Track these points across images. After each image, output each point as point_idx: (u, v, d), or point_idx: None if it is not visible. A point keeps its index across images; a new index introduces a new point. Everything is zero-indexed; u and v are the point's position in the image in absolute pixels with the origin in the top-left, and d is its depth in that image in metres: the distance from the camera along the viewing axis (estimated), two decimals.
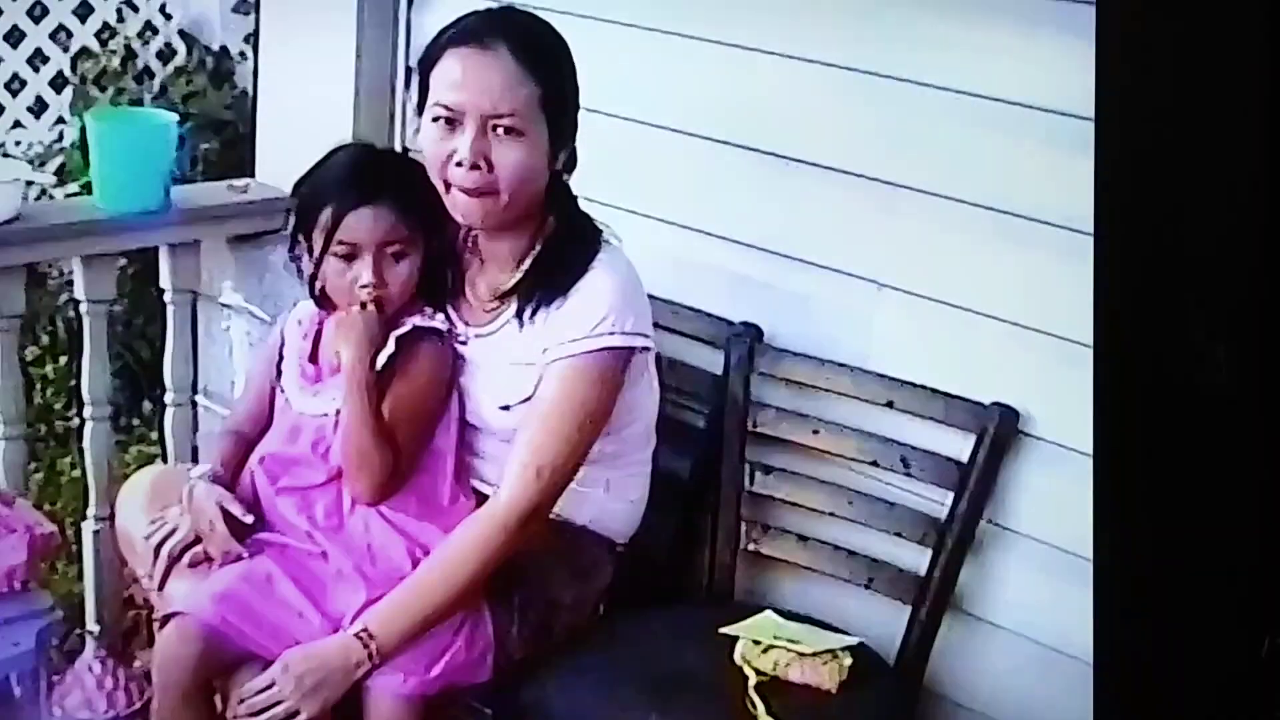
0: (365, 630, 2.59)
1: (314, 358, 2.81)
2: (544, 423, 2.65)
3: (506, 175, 2.61)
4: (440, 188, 2.65)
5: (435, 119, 2.63)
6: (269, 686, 2.57)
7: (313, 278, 2.75)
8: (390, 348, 2.70)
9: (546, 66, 2.64)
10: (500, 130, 2.60)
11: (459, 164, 2.60)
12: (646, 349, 2.74)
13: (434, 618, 2.61)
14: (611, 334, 2.65)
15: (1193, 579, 1.99)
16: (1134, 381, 1.97)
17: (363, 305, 2.68)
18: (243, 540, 2.72)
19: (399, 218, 2.67)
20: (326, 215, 2.66)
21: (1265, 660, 2.01)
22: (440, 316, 2.77)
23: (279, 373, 2.84)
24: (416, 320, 2.73)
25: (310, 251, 2.72)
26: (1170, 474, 1.97)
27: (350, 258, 2.68)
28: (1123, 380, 1.99)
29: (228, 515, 2.72)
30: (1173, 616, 2.01)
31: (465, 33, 2.65)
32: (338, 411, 2.71)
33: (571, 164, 2.74)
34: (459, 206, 2.65)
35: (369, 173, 2.72)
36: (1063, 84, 2.60)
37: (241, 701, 2.58)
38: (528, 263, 2.73)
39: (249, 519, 2.73)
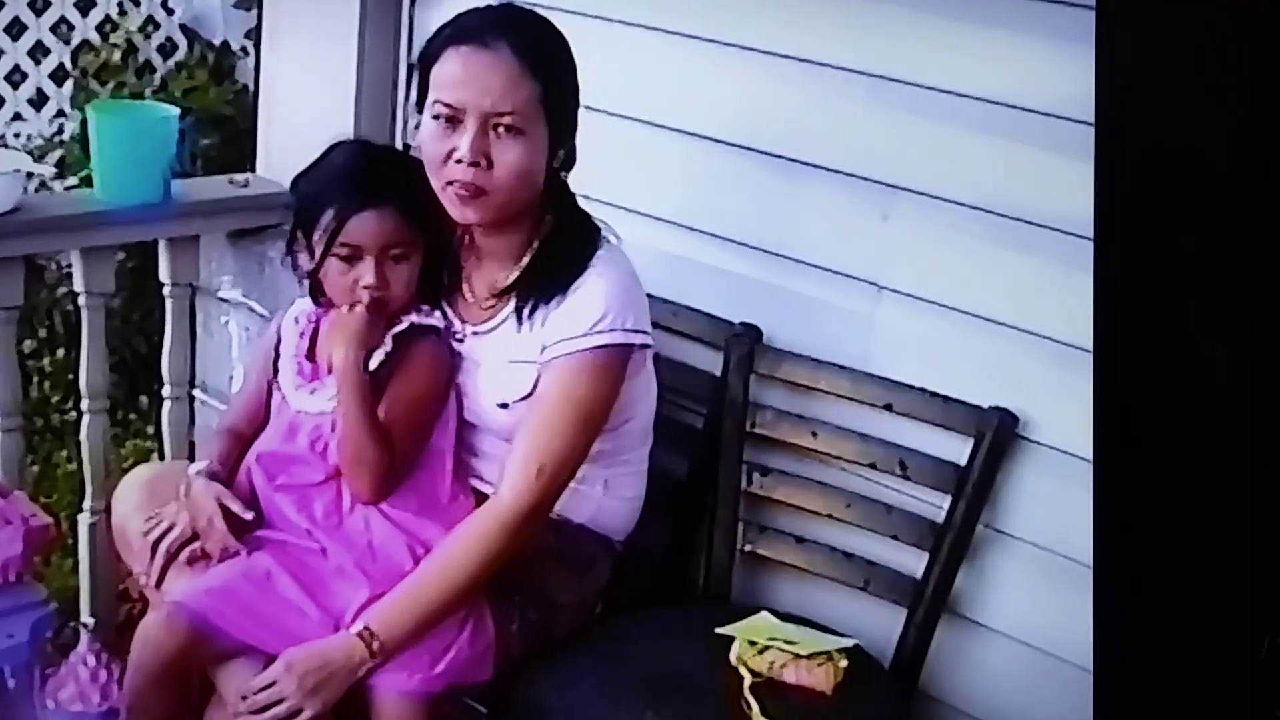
0: (367, 629, 2.58)
1: (311, 355, 2.81)
2: (544, 421, 2.65)
3: (505, 173, 2.60)
4: (437, 185, 2.64)
5: (436, 117, 2.62)
6: (271, 684, 2.56)
7: (310, 276, 2.75)
8: (388, 346, 2.70)
9: (547, 65, 2.63)
10: (501, 129, 2.59)
11: (458, 161, 2.59)
12: (646, 347, 2.74)
13: (436, 616, 2.61)
14: (611, 331, 2.65)
15: (1192, 579, 1.99)
16: (1133, 382, 1.97)
17: (353, 305, 2.68)
18: (241, 538, 2.72)
19: (402, 220, 2.67)
20: (329, 217, 2.66)
21: (1265, 661, 2.01)
22: (437, 314, 2.76)
23: (275, 371, 2.84)
24: (413, 318, 2.73)
25: (310, 251, 2.71)
26: (1170, 474, 1.97)
27: (352, 259, 2.67)
28: (1122, 381, 1.99)
29: (227, 512, 2.71)
30: (1172, 616, 2.01)
31: (466, 30, 2.64)
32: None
33: (570, 162, 2.74)
34: (455, 204, 2.64)
35: (371, 174, 2.71)
36: (1062, 88, 2.61)
37: (244, 698, 2.57)
38: (526, 260, 2.73)
39: (249, 516, 2.73)
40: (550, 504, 2.69)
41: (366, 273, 2.66)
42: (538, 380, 2.68)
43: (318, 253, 2.69)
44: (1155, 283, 1.94)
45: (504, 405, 2.72)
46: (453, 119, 2.60)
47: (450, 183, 2.62)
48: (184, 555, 2.75)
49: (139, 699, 2.66)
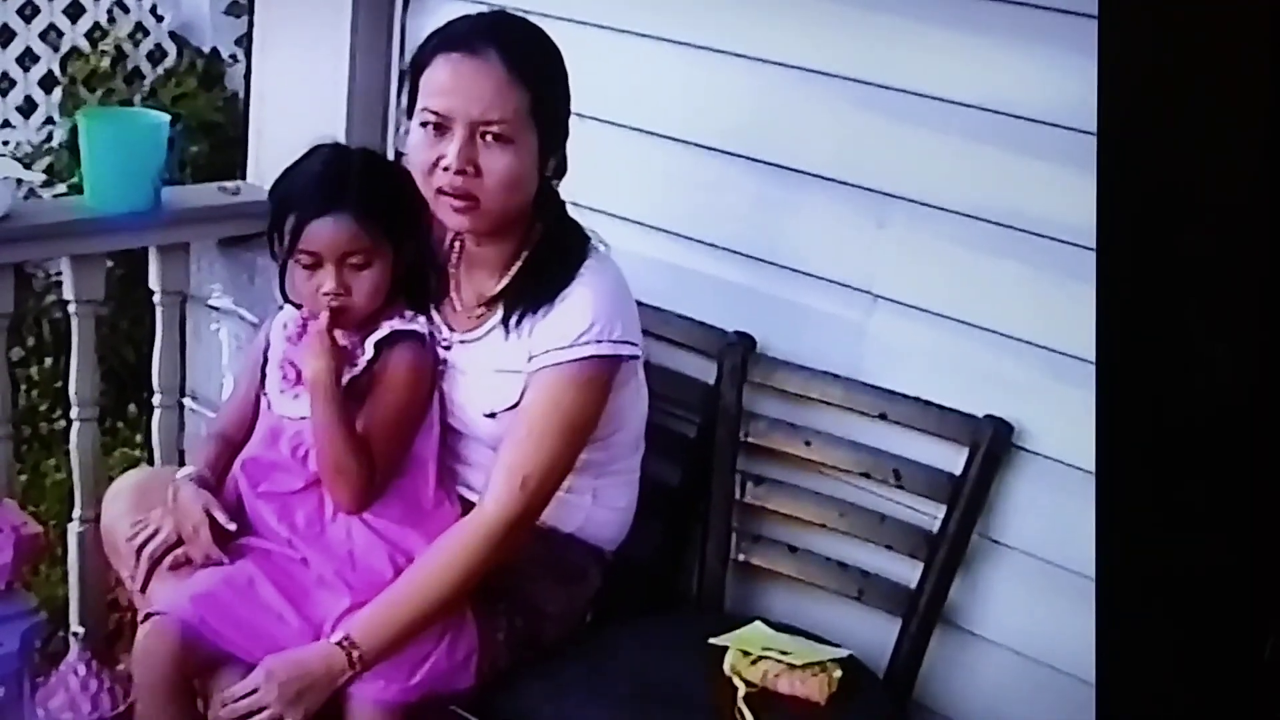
0: (347, 638, 2.57)
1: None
2: (529, 432, 2.64)
3: (494, 182, 2.59)
4: (427, 192, 2.64)
5: (424, 124, 2.62)
6: (252, 692, 2.55)
7: (283, 281, 2.74)
8: (368, 353, 2.69)
9: (537, 73, 2.63)
10: (489, 137, 2.58)
11: (446, 169, 2.58)
12: (634, 358, 2.73)
13: (417, 626, 2.60)
14: (599, 342, 2.64)
15: (1194, 579, 1.99)
16: (1135, 391, 1.97)
17: (320, 316, 2.67)
18: (226, 546, 2.71)
19: (362, 228, 2.64)
20: (291, 223, 2.65)
21: (1268, 662, 2.01)
22: (420, 320, 2.75)
23: (263, 376, 2.83)
24: (395, 324, 2.72)
25: (281, 253, 2.71)
26: (1172, 480, 1.97)
27: (314, 266, 2.66)
28: (1124, 390, 1.98)
29: (213, 521, 2.70)
30: (1175, 617, 2.00)
31: (455, 37, 2.63)
32: None
33: (561, 170, 2.73)
34: (445, 212, 2.64)
35: (333, 181, 2.68)
36: (1057, 95, 2.60)
37: (224, 705, 2.56)
38: (514, 269, 2.72)
39: (232, 527, 2.72)
40: (535, 515, 2.68)
41: (327, 280, 2.65)
42: (524, 390, 2.67)
43: (281, 258, 2.70)
44: (1159, 291, 1.93)
45: (491, 415, 2.71)
46: (441, 126, 2.60)
47: (440, 191, 2.61)
48: (168, 561, 2.74)
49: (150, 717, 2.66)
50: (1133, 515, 2.01)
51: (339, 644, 2.57)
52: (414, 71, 2.67)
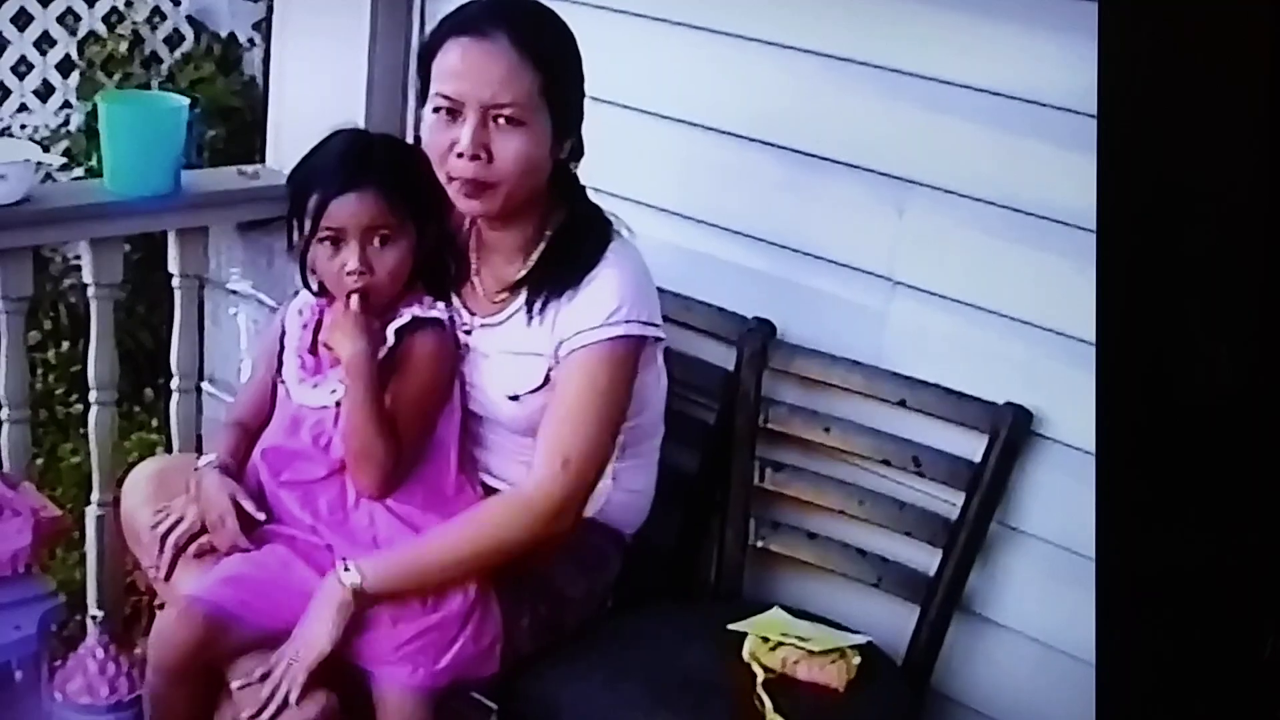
0: (354, 564, 2.57)
1: (314, 349, 2.80)
2: (566, 414, 2.63)
3: (507, 166, 2.59)
4: (443, 178, 2.64)
5: (436, 109, 2.62)
6: (274, 685, 2.55)
7: (303, 265, 2.74)
8: (390, 341, 2.69)
9: (548, 54, 2.62)
10: (501, 120, 2.58)
11: (459, 155, 2.58)
12: (658, 339, 2.73)
13: (426, 580, 2.59)
14: (628, 323, 2.64)
15: (1195, 578, 1.99)
16: (1136, 380, 1.97)
17: (348, 295, 2.67)
18: (250, 535, 2.71)
19: (385, 203, 2.65)
20: (314, 201, 2.66)
21: (1267, 661, 2.01)
22: (441, 305, 2.75)
23: (280, 364, 2.83)
24: (415, 311, 2.72)
25: (302, 237, 2.71)
26: (1172, 473, 1.97)
27: (337, 243, 2.67)
28: (1125, 378, 1.99)
29: (239, 510, 2.70)
30: (1174, 616, 2.01)
31: (465, 21, 2.63)
32: (338, 404, 2.71)
33: (578, 153, 2.73)
34: (460, 198, 2.64)
35: (355, 158, 2.70)
36: (1078, 82, 2.58)
37: (260, 711, 2.56)
38: (537, 254, 2.72)
39: (261, 517, 2.72)
40: (579, 498, 2.66)
41: (350, 257, 2.65)
42: (548, 373, 2.67)
43: (304, 238, 2.69)
44: (1157, 279, 1.93)
45: (514, 398, 2.71)
46: (453, 111, 2.60)
47: (453, 176, 2.61)
48: (192, 549, 2.74)
49: (161, 699, 2.66)
50: (1132, 517, 2.01)
51: (341, 559, 2.59)
52: (425, 57, 2.67)
